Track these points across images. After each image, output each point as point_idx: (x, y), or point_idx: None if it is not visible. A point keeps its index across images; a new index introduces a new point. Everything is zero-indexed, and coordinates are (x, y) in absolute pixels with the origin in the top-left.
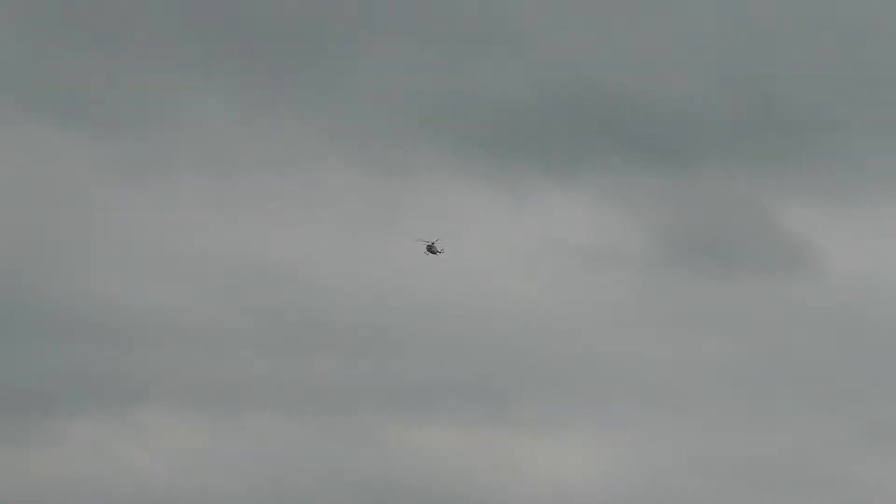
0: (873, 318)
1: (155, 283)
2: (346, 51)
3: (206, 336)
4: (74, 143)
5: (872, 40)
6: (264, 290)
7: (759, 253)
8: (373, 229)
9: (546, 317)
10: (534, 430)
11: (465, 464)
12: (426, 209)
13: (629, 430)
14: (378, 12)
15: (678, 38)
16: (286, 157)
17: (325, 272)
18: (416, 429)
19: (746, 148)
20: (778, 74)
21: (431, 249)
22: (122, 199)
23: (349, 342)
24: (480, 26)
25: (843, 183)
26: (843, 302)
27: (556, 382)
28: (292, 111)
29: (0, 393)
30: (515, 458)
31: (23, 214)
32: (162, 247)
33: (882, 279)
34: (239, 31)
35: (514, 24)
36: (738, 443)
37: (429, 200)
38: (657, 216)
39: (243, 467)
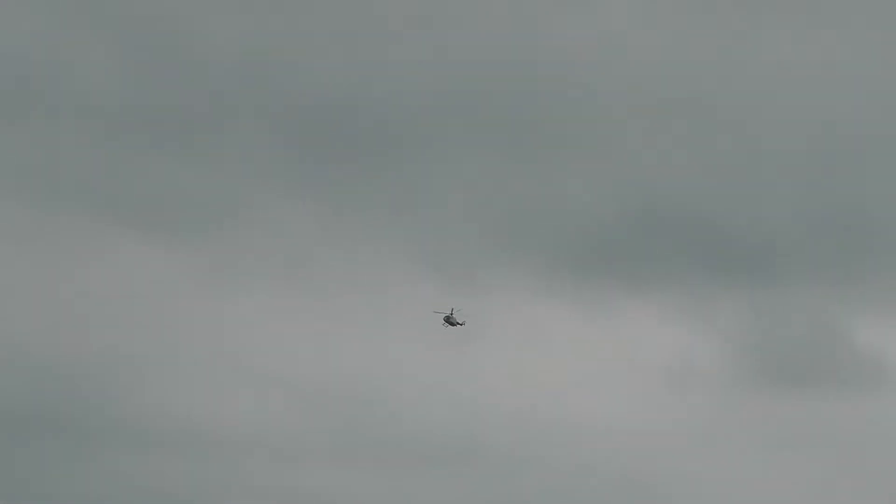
0: None
1: (238, 396)
2: (432, 167)
3: (288, 449)
4: (160, 253)
5: None
6: (347, 404)
7: (840, 371)
8: (456, 346)
9: (628, 434)
10: None
11: None
12: (509, 327)
13: None
14: (461, 128)
15: (759, 160)
16: (370, 271)
17: (408, 388)
18: None
19: (826, 267)
20: (855, 195)
21: (450, 321)
22: (206, 310)
23: (433, 458)
24: (567, 145)
25: None
26: None
27: (640, 500)
28: (378, 226)
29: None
30: None
31: (108, 325)
32: (246, 359)
33: None
34: (328, 144)
35: (600, 143)
36: None
37: (511, 318)
38: (739, 335)
39: None
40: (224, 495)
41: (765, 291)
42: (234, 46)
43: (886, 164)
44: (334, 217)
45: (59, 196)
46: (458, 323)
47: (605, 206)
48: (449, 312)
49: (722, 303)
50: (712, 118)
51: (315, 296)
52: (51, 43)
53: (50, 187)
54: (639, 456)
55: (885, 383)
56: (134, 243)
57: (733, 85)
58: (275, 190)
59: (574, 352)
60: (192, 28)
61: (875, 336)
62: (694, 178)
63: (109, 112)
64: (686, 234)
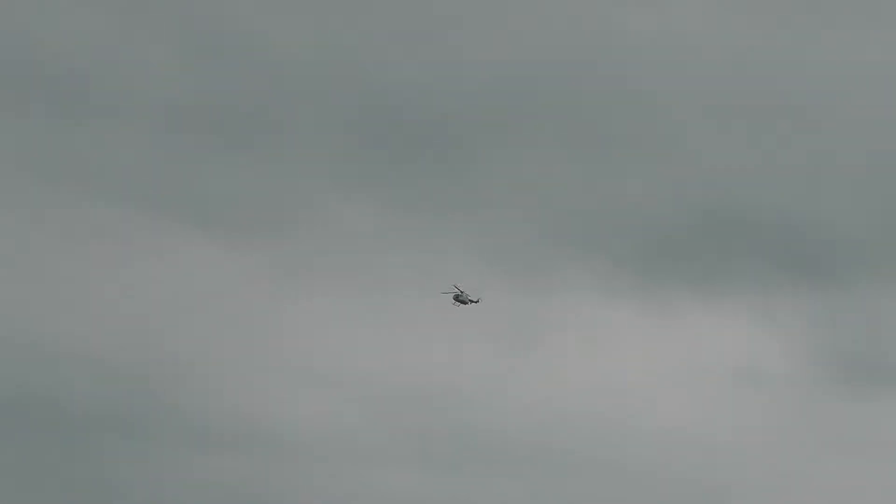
0: None
1: (306, 398)
2: (494, 167)
3: (357, 452)
4: (221, 253)
5: None
6: (409, 406)
7: None
8: (519, 348)
9: (693, 437)
10: None
11: None
12: (572, 328)
13: None
14: (529, 129)
15: (827, 156)
16: (431, 272)
17: (472, 390)
18: None
19: (895, 268)
20: None
21: (460, 299)
22: (270, 310)
23: (497, 460)
24: (631, 145)
25: None
26: None
27: (699, 501)
28: (439, 227)
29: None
30: None
31: (171, 325)
32: (312, 360)
33: None
34: (390, 144)
35: (664, 143)
36: None
37: (575, 320)
38: (807, 336)
39: None
40: (292, 498)
41: (833, 292)
42: (296, 45)
43: None
44: (396, 217)
45: (119, 194)
46: (471, 301)
47: (670, 207)
48: (458, 292)
49: (789, 304)
50: (777, 118)
51: (378, 296)
52: (112, 40)
53: (111, 186)
54: (706, 459)
55: None
56: (197, 243)
57: (797, 85)
58: (336, 190)
59: (639, 354)
60: (254, 27)
61: None
62: (760, 178)
63: (171, 110)
64: (752, 235)
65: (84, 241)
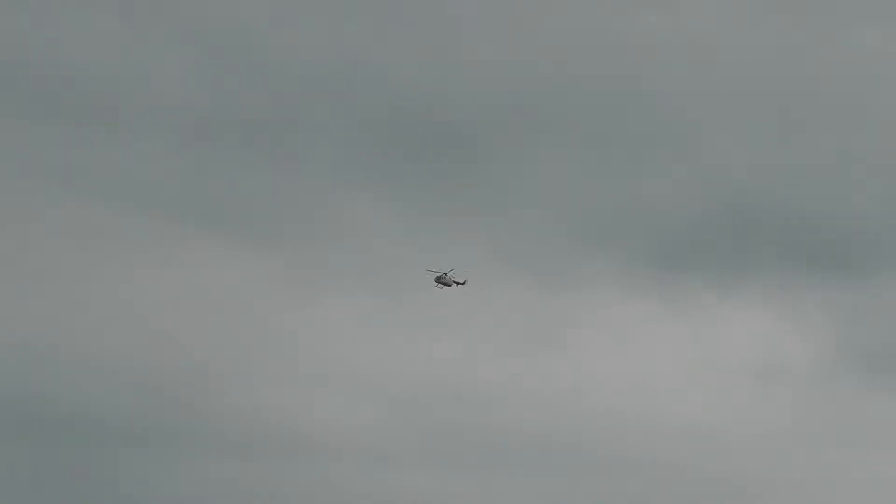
0: None
1: (327, 399)
2: (514, 167)
3: (377, 452)
4: (239, 256)
5: None
6: (436, 407)
7: None
8: (540, 345)
9: (717, 432)
10: None
11: None
12: (593, 325)
13: None
14: (546, 128)
15: (847, 151)
16: (458, 272)
17: (492, 388)
18: None
19: None
20: None
21: (443, 281)
22: (286, 312)
23: (516, 458)
24: (654, 143)
25: None
26: None
27: (731, 500)
28: (459, 227)
29: None
30: None
31: (195, 328)
32: (334, 362)
33: None
34: (414, 146)
35: (686, 141)
36: None
37: (596, 315)
38: (828, 330)
39: None
40: (313, 499)
41: (853, 286)
42: (318, 50)
43: None
44: (421, 219)
45: (138, 199)
46: (456, 282)
47: (690, 203)
48: (442, 273)
49: (810, 299)
50: (798, 115)
51: (403, 298)
52: (137, 48)
53: (130, 192)
54: (729, 454)
55: None
56: (215, 246)
57: (815, 81)
58: (354, 192)
59: (662, 350)
60: (277, 33)
61: None
62: (779, 174)
63: (190, 116)
64: (773, 231)
65: (103, 245)
